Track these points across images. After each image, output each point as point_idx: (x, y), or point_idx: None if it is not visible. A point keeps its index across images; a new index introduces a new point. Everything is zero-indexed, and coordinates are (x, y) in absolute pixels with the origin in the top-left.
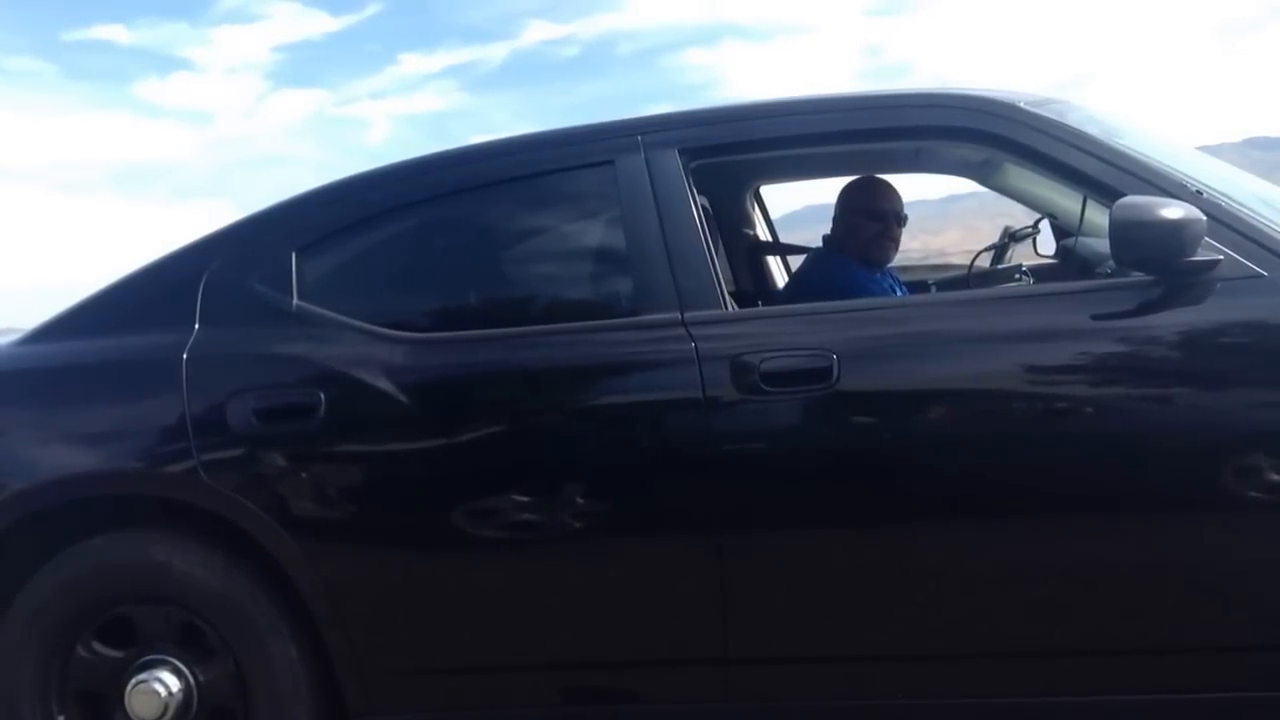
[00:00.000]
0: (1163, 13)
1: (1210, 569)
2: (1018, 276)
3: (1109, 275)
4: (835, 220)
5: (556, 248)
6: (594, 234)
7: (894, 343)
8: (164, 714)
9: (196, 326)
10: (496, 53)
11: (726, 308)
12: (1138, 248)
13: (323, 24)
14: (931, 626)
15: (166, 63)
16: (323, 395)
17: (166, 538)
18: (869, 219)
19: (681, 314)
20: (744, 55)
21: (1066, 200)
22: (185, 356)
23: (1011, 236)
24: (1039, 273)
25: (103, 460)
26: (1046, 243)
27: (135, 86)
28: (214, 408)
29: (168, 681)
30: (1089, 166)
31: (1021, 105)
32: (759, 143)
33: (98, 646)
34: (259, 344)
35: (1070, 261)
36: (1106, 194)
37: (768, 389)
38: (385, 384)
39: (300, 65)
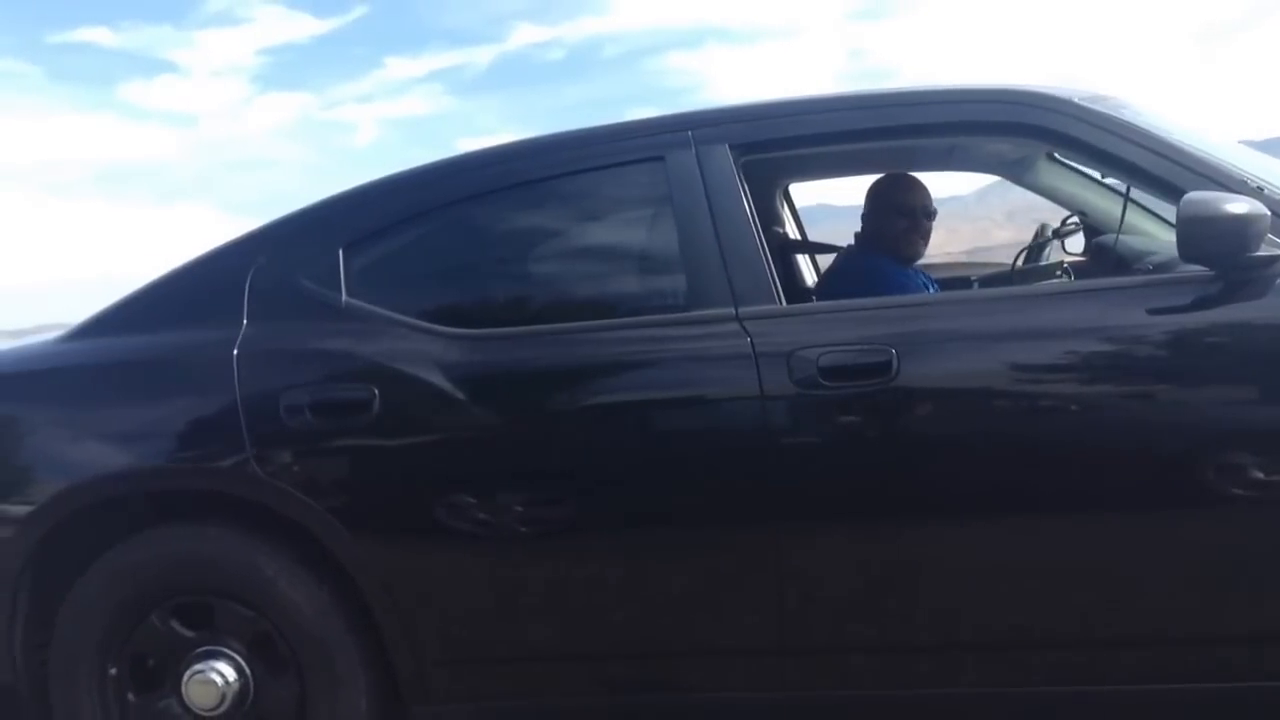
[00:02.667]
0: (1145, 18)
1: None
2: (1059, 273)
3: (1149, 271)
4: (865, 217)
5: (606, 243)
6: (645, 229)
7: (953, 337)
8: (220, 704)
9: (244, 322)
10: (483, 56)
11: (780, 303)
12: (1203, 243)
13: (308, 27)
14: (990, 619)
15: (151, 65)
16: (376, 390)
17: (218, 532)
18: (899, 215)
19: (736, 309)
20: (727, 58)
21: (1097, 198)
22: (236, 352)
23: (1055, 233)
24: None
25: (153, 456)
26: (1074, 240)
27: (120, 89)
28: (267, 403)
29: (225, 672)
30: (1148, 162)
31: (1079, 101)
32: (811, 138)
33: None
34: (310, 340)
35: (1104, 259)
36: (1167, 190)
37: (826, 384)
38: (439, 379)
39: (285, 68)
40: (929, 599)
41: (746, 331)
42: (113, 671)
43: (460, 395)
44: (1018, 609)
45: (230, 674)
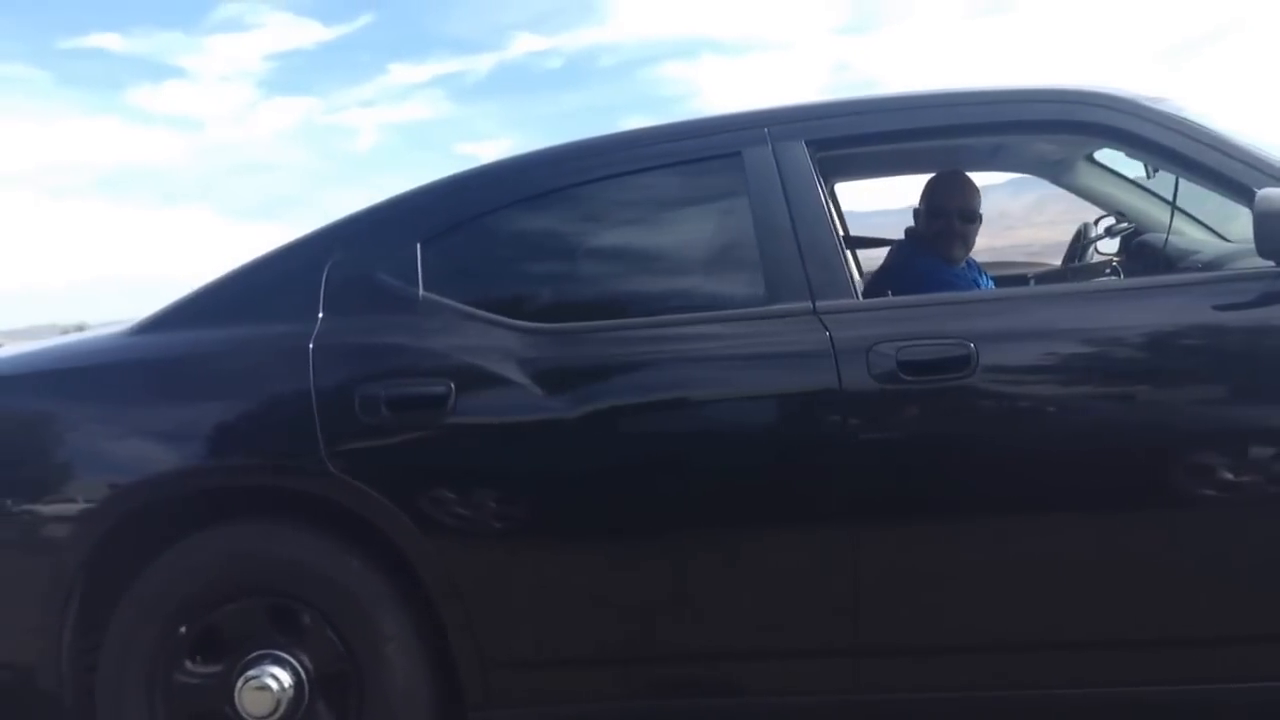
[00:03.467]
0: (1113, 38)
1: None
2: (1108, 271)
3: (1199, 269)
4: (917, 214)
5: (682, 239)
6: (721, 225)
7: (1033, 331)
8: (276, 709)
9: (320, 316)
10: (484, 63)
11: (857, 297)
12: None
13: (315, 34)
14: (1073, 615)
15: (160, 70)
16: (453, 385)
17: (287, 530)
18: (937, 215)
19: (813, 304)
20: (720, 69)
21: (1134, 199)
22: (312, 346)
23: (1108, 231)
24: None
25: (223, 453)
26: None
27: (128, 93)
28: (342, 398)
29: (280, 676)
30: (1214, 160)
31: (1144, 101)
32: (884, 135)
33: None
34: (386, 334)
35: (1148, 258)
36: (1234, 188)
37: (906, 378)
38: (517, 375)
39: (292, 74)
40: (1011, 597)
41: (824, 326)
42: (167, 674)
43: (537, 390)
44: (1105, 607)
45: (286, 679)
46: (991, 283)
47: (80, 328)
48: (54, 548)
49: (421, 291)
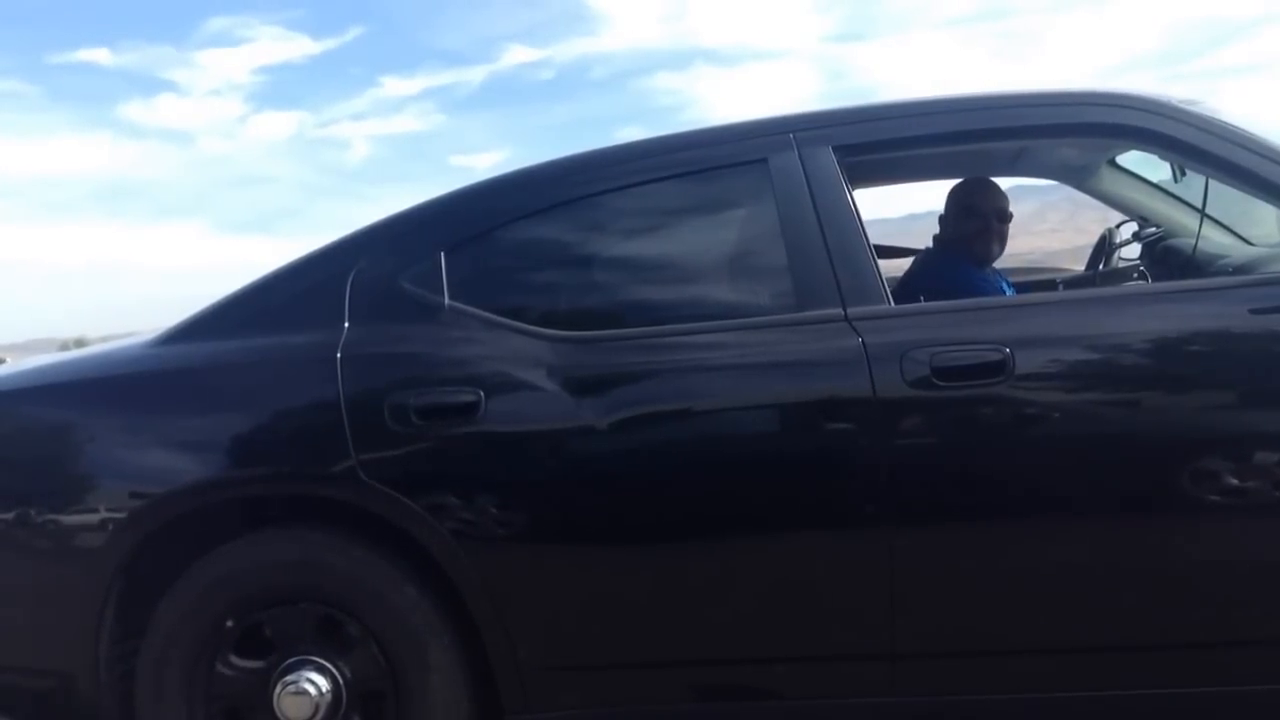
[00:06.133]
0: (1107, 46)
1: None
2: (1135, 276)
3: (1231, 273)
4: (943, 220)
5: (708, 245)
6: (748, 231)
7: (1067, 336)
8: (314, 715)
9: (346, 325)
10: (475, 75)
11: (889, 303)
12: None
13: (305, 47)
14: (1107, 621)
15: (151, 85)
16: (482, 394)
17: (321, 537)
18: (973, 217)
19: (844, 310)
20: (713, 79)
21: (1156, 204)
22: (339, 355)
23: (1136, 236)
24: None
25: (253, 462)
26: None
27: (119, 108)
28: (372, 406)
29: (317, 682)
30: (1254, 164)
31: (1179, 104)
32: (913, 140)
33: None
34: (414, 343)
35: (1176, 262)
36: (1274, 192)
37: (940, 384)
38: (546, 383)
39: (282, 87)
40: (1047, 601)
41: (857, 332)
42: (205, 681)
43: (567, 399)
44: (1139, 610)
45: (324, 684)
46: (1013, 289)
47: (80, 342)
48: (90, 555)
49: (447, 300)
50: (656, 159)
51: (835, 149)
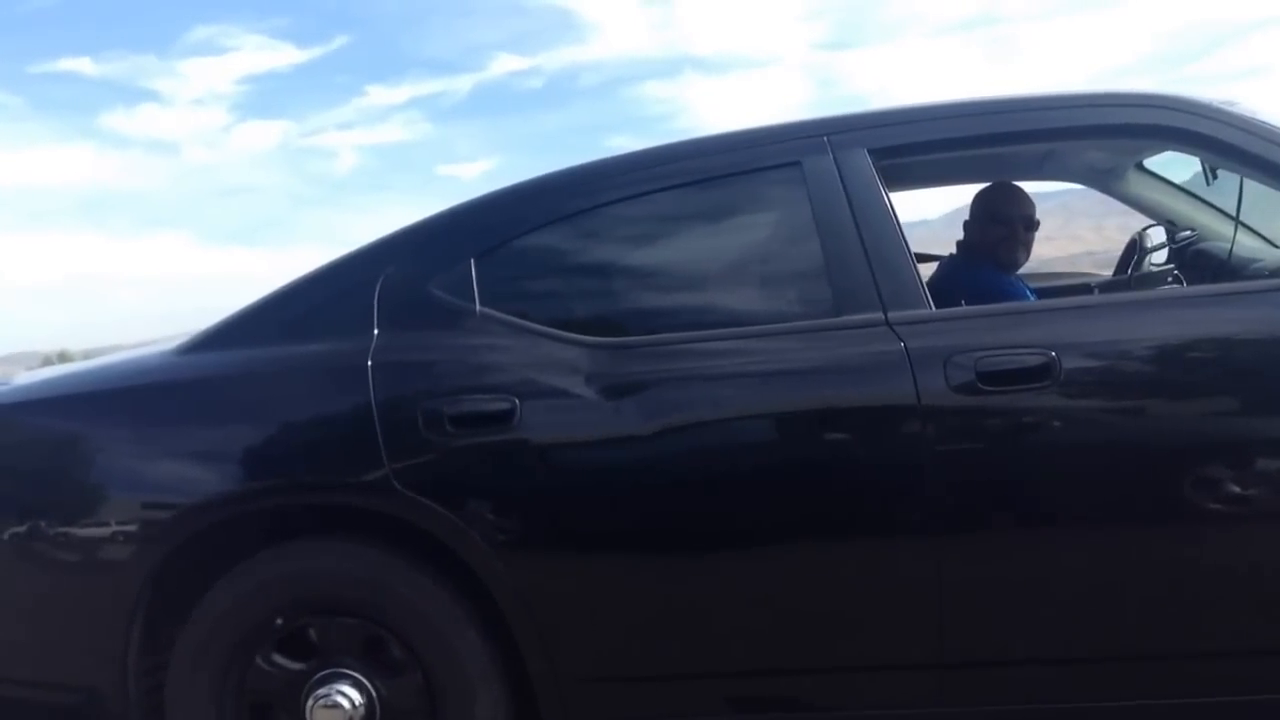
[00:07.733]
0: (1098, 50)
1: None
2: (1170, 280)
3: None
4: (968, 225)
5: (742, 250)
6: (782, 235)
7: (1114, 339)
8: None
9: (376, 332)
10: (462, 84)
11: (930, 307)
12: None
13: (290, 56)
14: (1160, 627)
15: (134, 94)
16: (517, 401)
17: (356, 549)
18: (998, 223)
19: (885, 314)
20: (703, 87)
21: (1184, 207)
22: (370, 363)
23: (1171, 238)
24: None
25: (284, 471)
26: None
27: (102, 118)
28: (405, 414)
29: (351, 695)
30: None
31: (1221, 105)
32: (948, 142)
33: (277, 658)
34: (446, 350)
35: (1209, 266)
36: None
37: (986, 388)
38: (582, 390)
39: (267, 96)
40: (1097, 608)
41: (898, 336)
42: (238, 693)
43: (604, 406)
44: (1188, 617)
45: (356, 697)
46: (1035, 295)
47: (64, 356)
48: (118, 569)
49: (478, 306)
50: (687, 163)
51: (871, 152)
